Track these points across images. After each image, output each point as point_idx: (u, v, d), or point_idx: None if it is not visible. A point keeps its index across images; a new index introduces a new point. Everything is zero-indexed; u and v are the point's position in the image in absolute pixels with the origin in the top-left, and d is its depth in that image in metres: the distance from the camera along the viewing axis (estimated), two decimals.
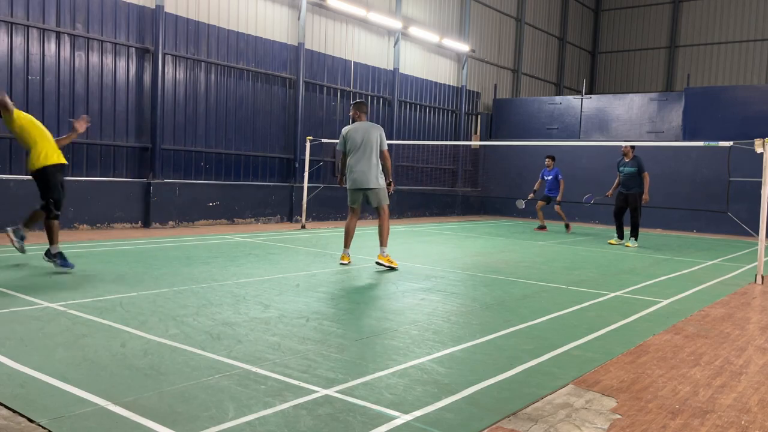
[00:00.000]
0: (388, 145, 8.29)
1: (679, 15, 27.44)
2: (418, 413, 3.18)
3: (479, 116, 21.43)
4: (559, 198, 14.56)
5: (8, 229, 7.08)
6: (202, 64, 12.78)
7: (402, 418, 3.11)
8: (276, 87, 14.34)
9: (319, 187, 14.31)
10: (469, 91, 21.01)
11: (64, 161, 6.98)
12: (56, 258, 6.72)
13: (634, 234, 12.06)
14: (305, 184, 13.42)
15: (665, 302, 6.52)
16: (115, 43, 11.36)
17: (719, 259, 10.65)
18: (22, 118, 6.75)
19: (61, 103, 10.69)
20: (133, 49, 11.67)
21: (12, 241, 7.00)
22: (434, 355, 4.22)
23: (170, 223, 12.16)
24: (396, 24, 17.05)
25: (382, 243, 7.75)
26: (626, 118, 19.15)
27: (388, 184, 8.14)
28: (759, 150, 8.09)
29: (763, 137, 8.26)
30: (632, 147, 12.04)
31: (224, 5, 13.10)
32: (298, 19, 14.59)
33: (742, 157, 10.68)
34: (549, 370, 4.03)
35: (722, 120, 16.86)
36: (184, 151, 12.60)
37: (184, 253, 8.54)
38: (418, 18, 18.31)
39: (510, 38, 23.13)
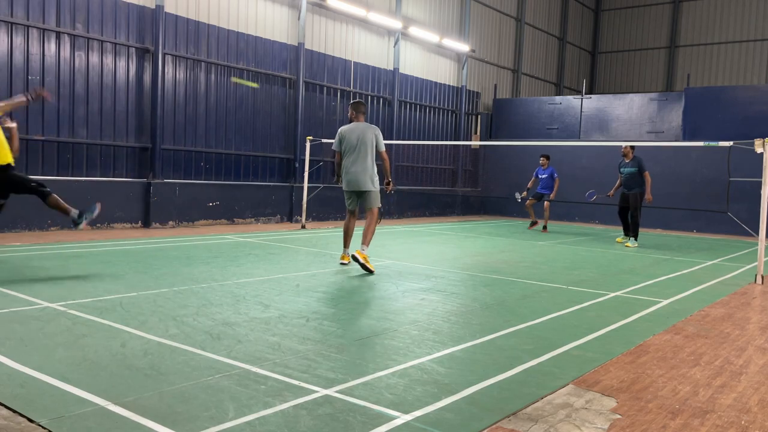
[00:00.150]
0: (388, 145, 8.27)
1: (679, 15, 27.44)
2: (418, 413, 3.18)
3: (479, 116, 21.43)
4: (552, 196, 14.64)
5: (80, 223, 6.94)
6: (202, 64, 12.78)
7: (402, 418, 3.11)
8: (276, 87, 14.34)
9: (319, 187, 14.31)
10: (469, 91, 21.01)
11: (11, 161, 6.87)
12: (82, 218, 6.79)
13: (634, 234, 12.08)
14: (305, 184, 13.42)
15: (665, 302, 6.52)
16: (115, 43, 11.36)
17: (719, 259, 10.65)
18: None
19: (61, 103, 10.69)
20: (133, 49, 11.67)
21: (87, 221, 6.93)
22: (434, 355, 4.22)
23: (170, 223, 12.16)
24: (396, 24, 17.05)
25: (364, 242, 7.59)
26: (626, 118, 19.15)
27: (387, 184, 8.12)
28: (759, 150, 8.09)
29: (763, 137, 8.26)
30: (632, 147, 12.04)
31: (224, 5, 13.10)
32: (298, 19, 14.59)
33: (742, 157, 10.67)
34: (549, 370, 4.03)
35: (722, 120, 16.87)
36: (184, 151, 12.60)
37: (184, 253, 8.54)
38: (418, 18, 18.31)
39: (510, 38, 23.13)
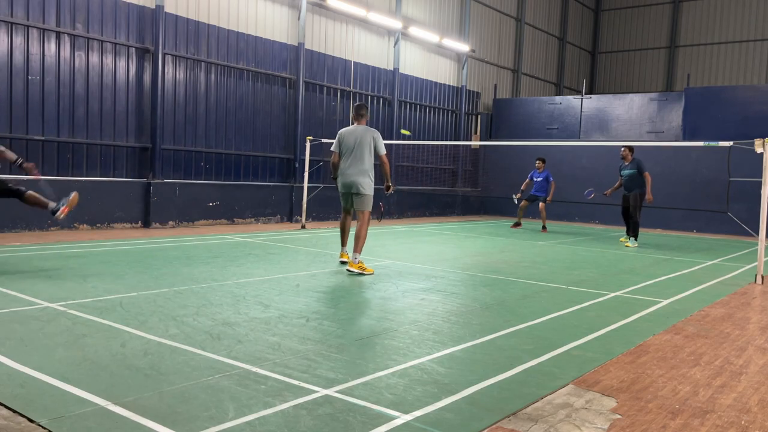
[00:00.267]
0: (388, 145, 8.24)
1: (679, 15, 27.44)
2: (418, 413, 3.18)
3: (479, 116, 21.43)
4: (549, 199, 14.86)
5: (58, 210, 6.93)
6: (202, 64, 12.78)
7: (402, 418, 3.11)
8: (276, 87, 14.34)
9: (319, 187, 14.31)
10: (469, 91, 21.01)
11: None
12: (59, 204, 6.86)
13: (634, 234, 12.11)
14: (305, 184, 13.42)
15: (665, 302, 6.52)
16: (115, 43, 11.36)
17: (719, 259, 10.65)
18: None
19: (61, 103, 10.69)
20: (133, 49, 11.67)
21: (65, 211, 6.94)
22: (434, 355, 4.22)
23: (170, 223, 12.16)
24: (396, 24, 17.05)
25: (356, 249, 7.55)
26: (626, 118, 19.15)
27: (387, 188, 8.08)
28: (759, 150, 8.09)
29: (763, 137, 8.26)
30: (630, 149, 12.09)
31: (224, 5, 13.11)
32: (298, 19, 14.59)
33: (742, 157, 10.67)
34: (549, 370, 4.03)
35: (722, 120, 16.87)
36: (184, 151, 12.60)
37: (184, 253, 8.54)
38: (418, 18, 18.31)
39: (510, 38, 23.13)
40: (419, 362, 4.05)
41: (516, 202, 15.26)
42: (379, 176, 8.20)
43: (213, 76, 13.02)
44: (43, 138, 10.43)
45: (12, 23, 10.01)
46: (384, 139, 8.10)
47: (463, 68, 20.37)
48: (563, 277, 7.89)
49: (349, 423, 3.03)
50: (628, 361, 4.33)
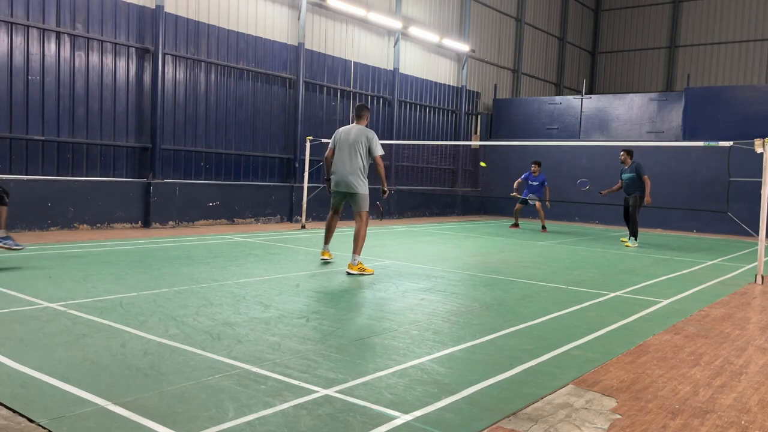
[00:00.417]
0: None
1: (679, 15, 27.44)
2: (418, 413, 3.18)
3: (479, 116, 21.43)
4: (547, 205, 15.12)
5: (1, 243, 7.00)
6: (202, 64, 12.78)
7: (402, 418, 3.11)
8: (276, 87, 14.34)
9: (319, 187, 14.30)
10: (469, 91, 21.01)
11: None
12: (2, 241, 6.91)
13: (634, 233, 12.15)
14: (305, 184, 13.42)
15: (665, 302, 6.52)
16: (115, 43, 11.36)
17: (719, 259, 10.65)
18: None
19: (61, 103, 10.69)
20: (133, 49, 11.67)
21: (3, 247, 6.97)
22: (434, 355, 4.22)
23: (170, 223, 12.16)
24: (396, 24, 17.05)
25: (355, 250, 7.52)
26: (626, 118, 19.14)
27: (383, 192, 8.05)
28: (759, 150, 8.09)
29: (763, 137, 8.26)
30: (628, 152, 12.16)
31: (224, 5, 13.10)
32: (298, 19, 14.59)
33: (742, 157, 10.67)
34: (549, 370, 4.03)
35: (722, 120, 16.86)
36: (184, 151, 12.60)
37: (184, 253, 8.54)
38: (418, 18, 18.31)
39: (510, 38, 23.13)
40: (419, 362, 4.05)
41: (514, 195, 15.29)
42: (375, 178, 8.16)
43: (213, 76, 13.02)
44: (43, 138, 10.43)
45: (12, 23, 10.01)
46: (384, 140, 8.08)
47: (463, 68, 20.37)
48: (563, 277, 7.89)
49: (349, 423, 3.03)
50: (628, 361, 4.33)
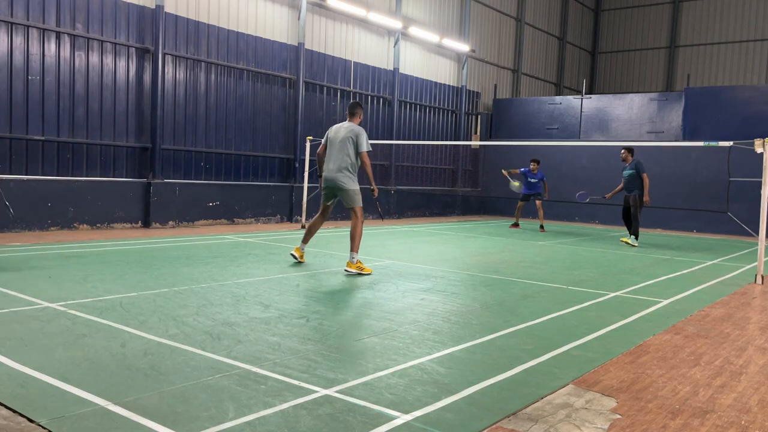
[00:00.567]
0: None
1: (679, 15, 27.44)
2: (418, 413, 3.18)
3: (479, 116, 21.43)
4: (546, 197, 15.01)
5: None
6: (202, 64, 12.78)
7: (402, 418, 3.11)
8: (276, 87, 14.34)
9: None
10: (469, 91, 21.01)
11: None
12: None
13: (634, 232, 12.17)
14: (305, 184, 13.42)
15: (665, 302, 6.52)
16: (115, 43, 11.36)
17: (719, 259, 10.65)
18: None
19: (61, 103, 10.69)
20: (133, 49, 11.67)
21: None
22: (434, 355, 4.22)
23: (170, 223, 12.16)
24: (396, 24, 17.05)
25: (352, 248, 7.49)
26: (626, 118, 19.14)
27: (372, 191, 8.01)
28: (759, 150, 8.09)
29: (763, 137, 8.26)
30: (629, 150, 12.17)
31: (224, 5, 13.10)
32: (298, 19, 14.59)
33: (742, 157, 10.67)
34: (549, 370, 4.03)
35: (722, 120, 16.86)
36: (184, 151, 12.60)
37: (184, 253, 8.54)
38: (418, 18, 18.31)
39: (510, 38, 23.13)
40: (419, 362, 4.05)
41: (509, 179, 15.15)
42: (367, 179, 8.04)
43: (213, 76, 13.02)
44: (43, 138, 10.43)
45: (12, 23, 10.01)
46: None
47: (463, 68, 20.37)
48: (563, 277, 7.89)
49: (349, 423, 3.03)
50: (628, 361, 4.33)
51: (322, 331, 4.75)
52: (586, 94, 21.01)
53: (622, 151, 12.25)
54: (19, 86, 10.19)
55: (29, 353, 3.90)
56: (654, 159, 15.96)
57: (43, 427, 2.85)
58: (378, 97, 17.15)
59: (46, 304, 5.21)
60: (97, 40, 11.10)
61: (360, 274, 7.36)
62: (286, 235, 11.54)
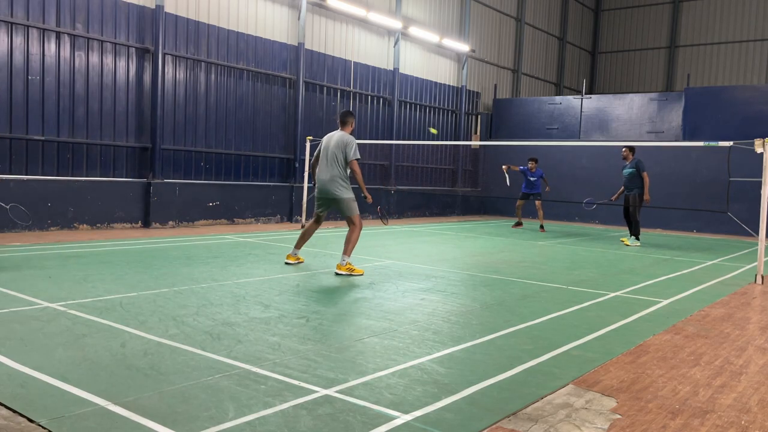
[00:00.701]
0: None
1: (679, 15, 27.44)
2: (418, 413, 3.18)
3: (479, 116, 21.43)
4: (548, 189, 15.13)
5: None
6: (202, 64, 12.78)
7: (402, 418, 3.11)
8: (276, 87, 14.34)
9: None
10: (469, 91, 21.01)
11: None
12: None
13: (635, 233, 12.17)
14: (305, 184, 13.42)
15: (665, 302, 6.52)
16: (115, 43, 11.36)
17: (719, 259, 10.65)
18: None
19: (61, 103, 10.69)
20: (133, 49, 11.67)
21: None
22: (434, 355, 4.22)
23: (170, 223, 12.16)
24: (396, 24, 17.05)
25: (345, 251, 7.45)
26: (626, 118, 19.14)
27: (364, 197, 7.96)
28: (759, 150, 8.09)
29: (763, 137, 8.26)
30: (630, 149, 12.17)
31: (224, 5, 13.10)
32: (298, 19, 14.59)
33: (742, 157, 10.67)
34: (549, 370, 4.03)
35: (722, 120, 16.86)
36: (184, 151, 12.60)
37: (184, 253, 8.54)
38: (418, 18, 18.30)
39: (510, 38, 23.13)
40: (419, 362, 4.05)
41: (506, 174, 15.11)
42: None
43: (213, 76, 13.02)
44: (43, 138, 10.43)
45: (12, 23, 10.01)
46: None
47: (463, 68, 20.37)
48: (563, 277, 7.89)
49: (349, 423, 3.03)
50: (628, 361, 4.33)
51: (322, 331, 4.75)
52: (586, 94, 21.01)
53: (624, 149, 12.26)
54: (19, 86, 10.19)
55: (29, 353, 3.90)
56: (654, 159, 15.95)
57: (43, 427, 2.85)
58: (378, 97, 17.15)
59: (46, 304, 5.21)
60: (97, 40, 11.10)
61: (350, 275, 7.34)
62: (286, 235, 11.54)
